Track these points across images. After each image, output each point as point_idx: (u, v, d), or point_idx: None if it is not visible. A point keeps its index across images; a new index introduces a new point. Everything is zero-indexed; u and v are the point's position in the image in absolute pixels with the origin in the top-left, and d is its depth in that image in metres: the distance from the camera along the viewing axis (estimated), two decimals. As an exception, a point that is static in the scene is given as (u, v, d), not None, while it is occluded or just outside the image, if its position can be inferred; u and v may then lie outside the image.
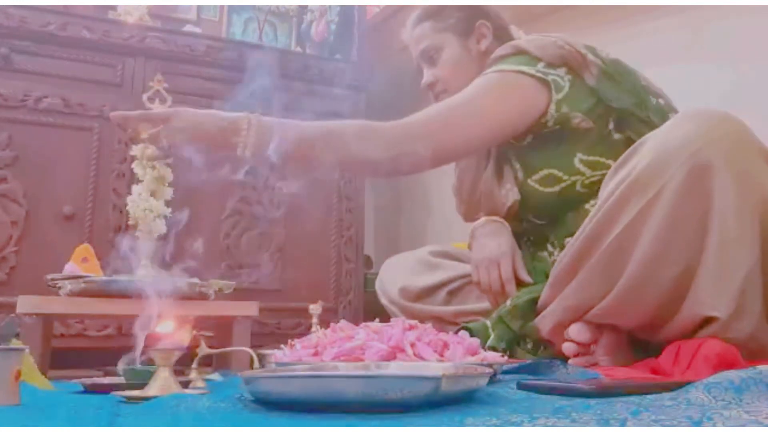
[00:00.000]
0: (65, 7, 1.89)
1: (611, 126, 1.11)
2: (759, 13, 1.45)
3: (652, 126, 1.03)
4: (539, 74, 1.09)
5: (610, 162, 1.06)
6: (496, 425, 0.45)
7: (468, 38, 1.26)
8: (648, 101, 1.10)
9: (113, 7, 2.05)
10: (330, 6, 2.36)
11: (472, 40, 1.26)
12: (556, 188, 1.14)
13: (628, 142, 1.04)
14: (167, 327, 0.71)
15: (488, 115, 1.09)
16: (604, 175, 1.02)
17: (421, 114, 1.09)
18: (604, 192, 0.92)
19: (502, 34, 1.26)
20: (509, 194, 1.18)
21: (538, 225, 1.20)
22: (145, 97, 1.18)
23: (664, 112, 1.09)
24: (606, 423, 0.44)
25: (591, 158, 1.11)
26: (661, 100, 1.12)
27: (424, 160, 1.06)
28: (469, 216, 1.32)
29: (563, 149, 1.12)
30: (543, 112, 1.09)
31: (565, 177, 1.13)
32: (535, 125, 1.11)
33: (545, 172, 1.14)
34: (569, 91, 1.08)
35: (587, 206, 1.11)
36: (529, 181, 1.16)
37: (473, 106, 1.09)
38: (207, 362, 1.18)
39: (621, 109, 1.09)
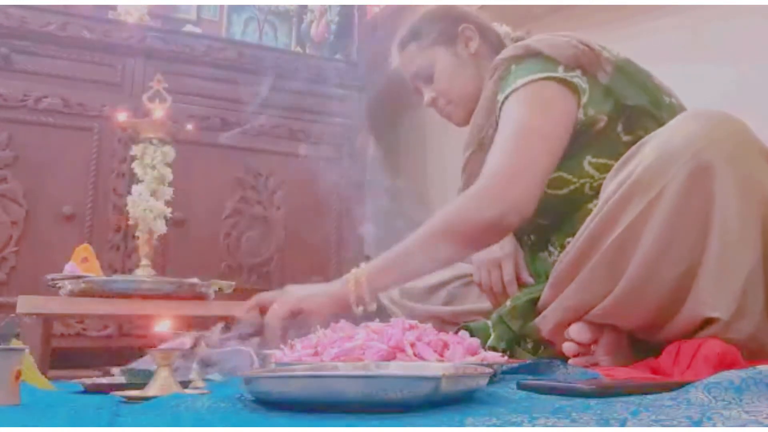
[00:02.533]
0: (65, 7, 1.89)
1: (620, 128, 1.09)
2: (759, 13, 1.45)
3: (663, 125, 1.02)
4: (567, 78, 1.05)
5: None
6: (496, 425, 0.45)
7: (455, 45, 1.25)
8: (661, 99, 1.08)
9: (113, 7, 2.06)
10: (330, 6, 2.36)
11: (459, 45, 1.25)
12: (565, 191, 1.12)
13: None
14: (165, 326, 0.71)
15: (553, 134, 1.05)
16: None
17: (494, 161, 1.04)
18: (605, 192, 0.92)
19: (487, 32, 1.26)
20: None
21: (540, 225, 1.20)
22: (145, 97, 1.18)
23: (677, 112, 1.08)
24: (606, 423, 0.44)
25: (600, 161, 1.10)
26: (673, 99, 1.10)
27: (529, 201, 1.02)
28: None
29: (573, 152, 1.10)
30: (576, 116, 1.06)
31: (574, 180, 1.11)
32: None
33: (554, 174, 1.12)
34: (590, 93, 1.06)
35: (590, 206, 1.10)
36: None
37: (539, 132, 1.04)
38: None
39: (634, 108, 1.07)
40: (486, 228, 1.00)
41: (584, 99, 1.06)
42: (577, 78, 1.06)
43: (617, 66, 1.07)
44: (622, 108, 1.07)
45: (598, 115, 1.06)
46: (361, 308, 0.99)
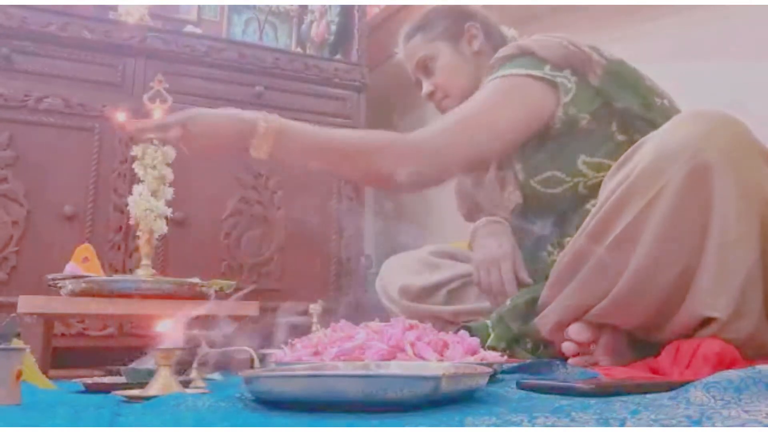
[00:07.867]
0: (66, 7, 1.89)
1: (614, 128, 1.10)
2: (759, 13, 1.45)
3: (656, 127, 1.02)
4: (548, 77, 1.08)
5: (612, 164, 1.06)
6: (495, 425, 0.45)
7: (459, 42, 1.27)
8: (653, 102, 1.09)
9: (114, 8, 2.05)
10: (330, 6, 2.36)
11: (463, 42, 1.27)
12: (558, 189, 1.13)
13: (632, 144, 1.04)
14: (165, 326, 0.71)
15: (502, 123, 1.08)
16: None
17: (436, 126, 1.08)
18: (604, 192, 0.92)
19: (492, 32, 1.28)
20: (511, 197, 1.18)
21: (538, 225, 1.20)
22: (145, 97, 1.18)
23: (669, 114, 1.09)
24: (606, 423, 0.44)
25: (594, 160, 1.11)
26: (665, 101, 1.11)
27: (446, 172, 1.07)
28: (471, 217, 1.33)
29: (567, 151, 1.11)
30: (552, 115, 1.09)
31: (568, 179, 1.12)
32: (543, 128, 1.10)
33: (548, 173, 1.13)
34: (576, 92, 1.08)
35: (588, 206, 1.11)
36: (531, 182, 1.15)
37: (487, 116, 1.08)
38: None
39: (625, 110, 1.08)
40: (391, 178, 1.03)
41: (566, 98, 1.08)
42: (562, 78, 1.08)
43: (608, 68, 1.08)
44: (612, 109, 1.08)
45: (579, 114, 1.08)
46: (253, 152, 0.99)
